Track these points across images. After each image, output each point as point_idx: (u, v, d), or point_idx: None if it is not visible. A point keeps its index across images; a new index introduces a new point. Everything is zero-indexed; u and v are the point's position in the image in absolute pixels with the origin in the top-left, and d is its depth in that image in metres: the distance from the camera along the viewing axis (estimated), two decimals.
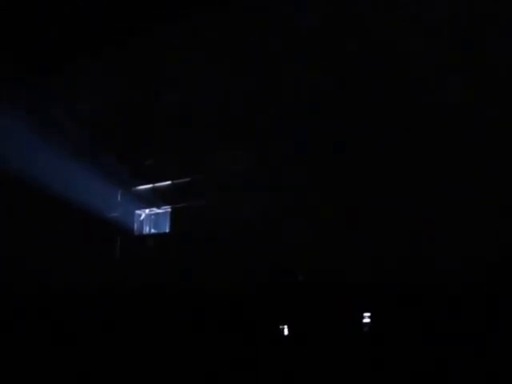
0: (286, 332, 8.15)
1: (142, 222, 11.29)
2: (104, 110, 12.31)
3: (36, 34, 11.55)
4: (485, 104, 7.71)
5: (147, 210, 11.27)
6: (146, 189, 11.15)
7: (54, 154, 11.92)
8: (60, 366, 10.01)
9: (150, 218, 11.32)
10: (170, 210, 10.78)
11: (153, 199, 10.96)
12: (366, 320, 7.49)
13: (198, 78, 10.78)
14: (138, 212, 11.28)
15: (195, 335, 8.97)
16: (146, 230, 11.29)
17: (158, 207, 11.01)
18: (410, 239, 7.74)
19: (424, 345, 6.85)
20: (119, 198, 11.41)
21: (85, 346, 10.12)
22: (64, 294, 11.31)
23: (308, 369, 7.41)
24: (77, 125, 12.01)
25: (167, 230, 10.96)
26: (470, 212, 7.41)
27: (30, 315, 11.42)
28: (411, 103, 8.30)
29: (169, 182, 10.79)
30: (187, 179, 10.51)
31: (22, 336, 11.13)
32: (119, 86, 12.19)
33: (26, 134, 12.57)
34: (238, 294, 8.85)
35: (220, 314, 8.92)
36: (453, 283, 7.01)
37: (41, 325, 11.10)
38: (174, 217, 10.63)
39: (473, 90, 7.91)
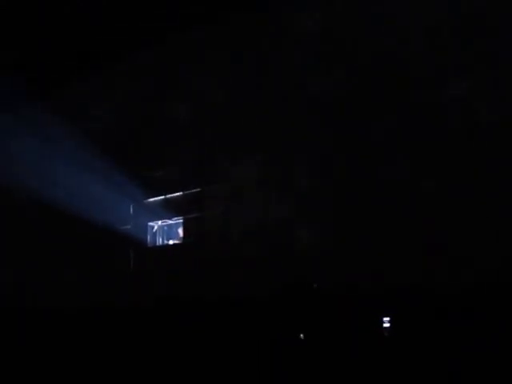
0: (303, 341, 8.26)
1: (154, 233, 11.42)
2: (115, 121, 12.38)
3: (47, 46, 11.60)
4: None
5: (160, 222, 11.40)
6: (157, 200, 11.25)
7: (66, 167, 12.04)
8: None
9: (162, 230, 11.45)
10: (182, 220, 10.89)
11: (165, 211, 11.05)
12: (386, 325, 7.65)
13: (209, 89, 10.86)
14: (150, 224, 11.40)
15: (209, 347, 9.09)
16: (159, 241, 11.42)
17: (171, 218, 11.12)
18: (430, 242, 7.87)
19: (444, 350, 7.03)
20: (132, 211, 11.51)
21: (97, 362, 10.25)
22: (76, 308, 11.43)
23: (327, 376, 7.57)
24: (88, 137, 12.07)
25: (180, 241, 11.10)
26: (490, 213, 7.51)
27: (39, 330, 11.53)
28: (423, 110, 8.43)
29: (180, 193, 10.89)
30: (198, 190, 10.62)
31: (31, 352, 11.25)
32: (130, 98, 12.26)
33: (37, 147, 12.68)
34: (253, 304, 8.97)
35: (235, 325, 9.04)
36: (473, 287, 7.15)
37: (51, 341, 11.20)
38: (187, 227, 10.73)
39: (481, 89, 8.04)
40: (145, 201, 11.40)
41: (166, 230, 11.38)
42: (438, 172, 8.09)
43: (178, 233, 11.13)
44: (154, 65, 12.05)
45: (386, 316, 7.65)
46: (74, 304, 11.56)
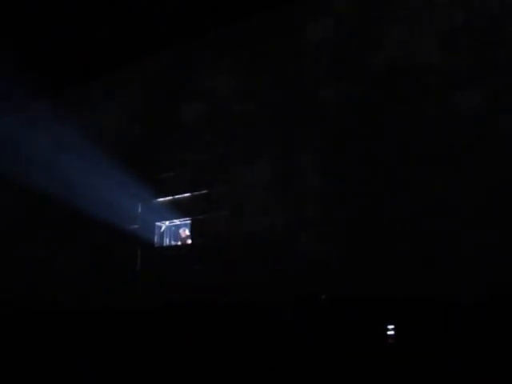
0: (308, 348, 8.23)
1: (162, 233, 11.47)
2: (125, 122, 12.46)
3: (60, 47, 11.72)
4: None
5: (167, 222, 11.44)
6: (166, 201, 11.30)
7: (75, 167, 12.13)
8: None
9: (170, 230, 11.49)
10: (190, 221, 10.93)
11: (173, 211, 11.10)
12: (390, 332, 7.62)
13: (220, 92, 10.91)
14: (158, 224, 11.45)
15: (214, 350, 9.08)
16: (167, 241, 11.47)
17: (178, 219, 11.17)
18: (437, 251, 7.84)
19: (447, 358, 6.99)
20: (140, 210, 11.58)
21: (102, 363, 10.26)
22: (82, 308, 11.47)
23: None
24: (98, 137, 12.17)
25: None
26: (496, 225, 7.46)
27: (42, 330, 11.57)
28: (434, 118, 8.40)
29: (188, 194, 10.95)
30: (206, 191, 10.66)
31: (33, 353, 11.28)
32: (141, 99, 12.35)
33: (47, 146, 12.79)
34: (257, 309, 8.96)
35: (241, 331, 9.02)
36: (481, 296, 7.11)
37: (54, 341, 11.23)
38: (195, 228, 10.77)
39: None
40: (153, 201, 11.43)
41: (174, 231, 11.42)
42: (448, 183, 8.06)
43: (179, 234, 11.17)
44: (165, 67, 12.13)
45: (391, 324, 7.62)
46: (79, 304, 11.62)
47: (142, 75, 12.48)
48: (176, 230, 11.38)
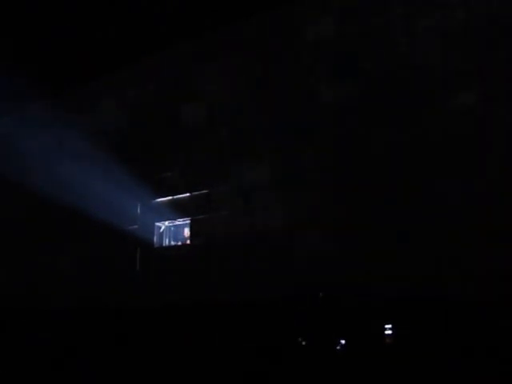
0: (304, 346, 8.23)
1: (161, 233, 11.45)
2: (125, 122, 12.46)
3: (61, 47, 11.73)
4: None
5: (167, 222, 11.43)
6: (165, 201, 11.29)
7: (75, 167, 12.13)
8: None
9: (169, 230, 11.48)
10: (189, 221, 10.92)
11: (173, 211, 11.10)
12: (388, 332, 7.62)
13: (218, 91, 10.91)
14: (157, 224, 11.44)
15: (213, 350, 9.07)
16: (166, 241, 11.45)
17: (178, 219, 11.16)
18: (437, 251, 7.83)
19: (445, 357, 6.98)
20: (139, 210, 11.57)
21: (101, 363, 10.22)
22: (82, 308, 11.46)
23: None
24: (97, 138, 12.17)
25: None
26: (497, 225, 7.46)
27: (42, 330, 11.55)
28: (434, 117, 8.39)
29: (188, 194, 10.94)
30: (206, 191, 10.66)
31: (33, 353, 11.25)
32: (140, 99, 12.34)
33: (47, 146, 12.81)
34: (257, 309, 8.95)
35: (240, 330, 9.02)
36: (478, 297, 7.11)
37: (54, 341, 11.20)
38: (194, 228, 10.76)
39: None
40: (153, 201, 11.43)
41: (173, 231, 11.41)
42: (448, 183, 8.05)
43: (183, 233, 11.16)
44: (165, 67, 12.13)
45: (389, 323, 7.62)
46: (79, 304, 11.61)
47: (142, 75, 12.47)
48: (176, 230, 11.36)
